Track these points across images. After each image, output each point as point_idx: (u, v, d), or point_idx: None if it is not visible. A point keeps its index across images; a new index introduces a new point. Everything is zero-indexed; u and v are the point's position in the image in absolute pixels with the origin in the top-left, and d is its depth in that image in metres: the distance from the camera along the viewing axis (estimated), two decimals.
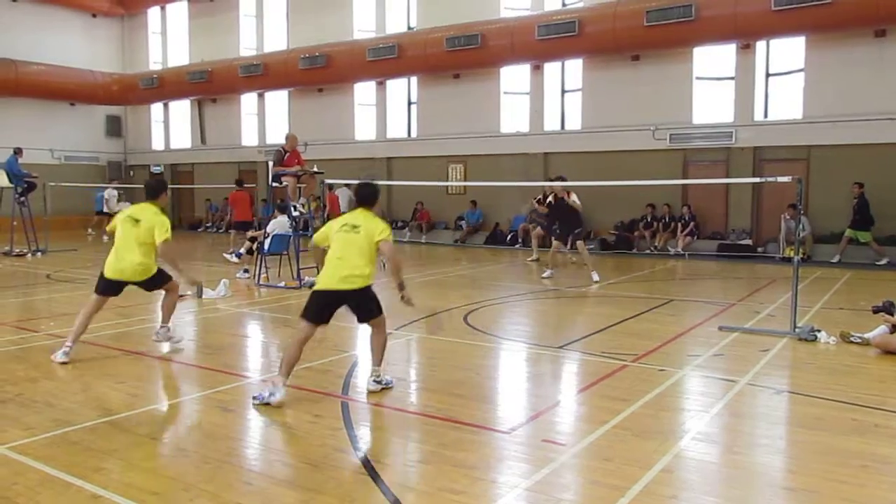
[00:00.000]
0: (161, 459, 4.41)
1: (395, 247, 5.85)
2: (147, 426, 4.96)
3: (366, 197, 5.97)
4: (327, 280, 5.68)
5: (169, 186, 8.16)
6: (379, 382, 5.80)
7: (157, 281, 7.21)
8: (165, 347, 7.26)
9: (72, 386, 5.89)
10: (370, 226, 5.74)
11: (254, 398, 5.43)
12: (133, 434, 4.76)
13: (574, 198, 12.95)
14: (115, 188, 22.98)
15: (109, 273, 6.98)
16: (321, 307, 5.67)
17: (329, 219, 21.00)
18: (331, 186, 20.10)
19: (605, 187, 17.23)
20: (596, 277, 12.36)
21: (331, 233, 5.83)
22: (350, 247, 5.69)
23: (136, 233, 6.90)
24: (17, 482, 3.96)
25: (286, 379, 5.48)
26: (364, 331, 8.56)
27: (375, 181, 6.39)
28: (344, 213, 9.14)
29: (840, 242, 15.56)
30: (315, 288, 5.79)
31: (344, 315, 5.95)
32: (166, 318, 7.31)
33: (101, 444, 4.56)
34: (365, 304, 5.79)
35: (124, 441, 4.62)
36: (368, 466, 4.20)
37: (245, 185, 17.28)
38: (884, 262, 15.07)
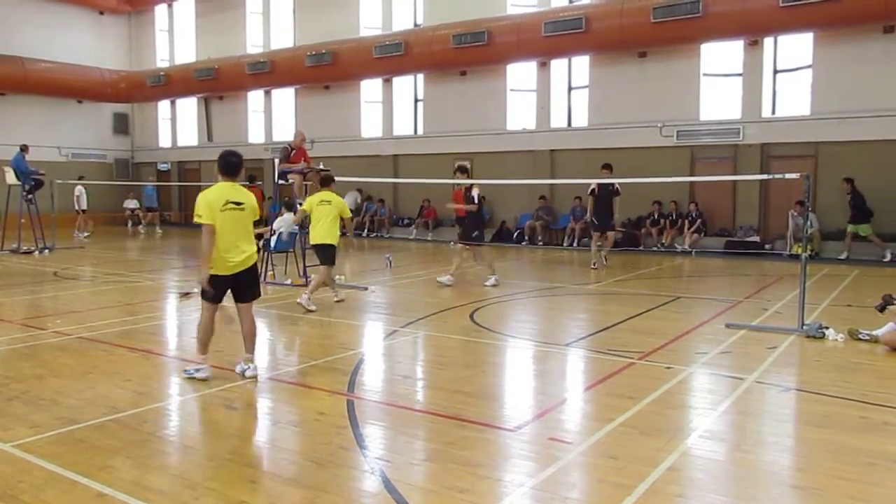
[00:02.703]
0: (166, 457, 4.41)
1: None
2: (153, 424, 4.96)
3: (235, 167, 5.99)
4: (226, 266, 5.80)
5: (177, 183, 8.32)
6: (253, 369, 6.00)
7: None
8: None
9: (78, 384, 5.90)
10: (251, 200, 5.94)
11: (184, 371, 6.08)
12: (139, 432, 4.76)
13: (475, 193, 11.67)
14: (84, 185, 23.15)
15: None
16: (220, 290, 5.91)
17: (465, 218, 20.47)
18: (470, 187, 20.02)
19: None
20: (492, 281, 11.47)
21: (215, 214, 5.72)
22: (239, 227, 5.85)
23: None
24: (23, 480, 3.97)
25: (206, 356, 6.01)
26: (371, 328, 8.61)
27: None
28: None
29: (845, 240, 15.47)
30: (213, 272, 5.82)
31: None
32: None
33: (107, 441, 4.56)
34: (253, 282, 6.06)
35: (130, 439, 4.63)
36: (374, 465, 4.20)
37: (257, 182, 17.22)
38: (888, 257, 14.97)
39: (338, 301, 9.96)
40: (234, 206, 5.79)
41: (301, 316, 9.15)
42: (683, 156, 18.18)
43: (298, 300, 9.46)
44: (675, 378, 6.06)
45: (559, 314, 9.88)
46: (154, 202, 25.81)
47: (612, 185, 13.71)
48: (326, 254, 9.67)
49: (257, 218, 6.02)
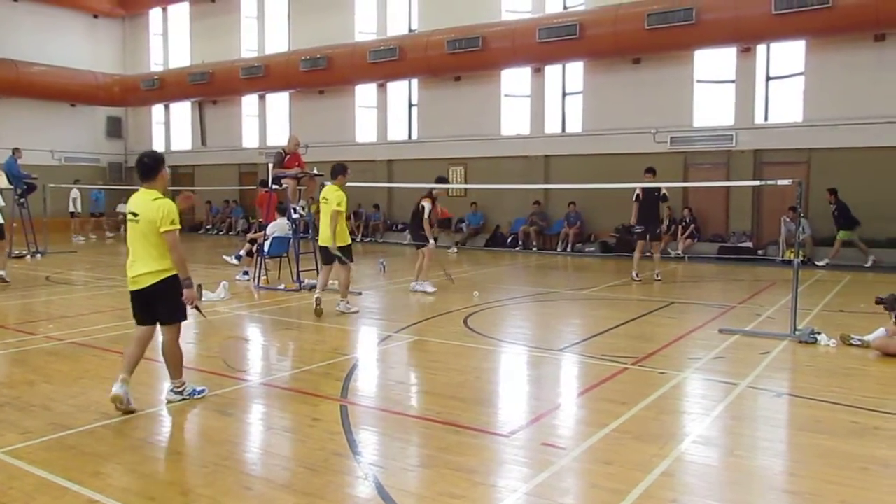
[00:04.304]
0: (158, 464, 4.39)
1: (178, 238, 5.21)
2: (144, 430, 4.94)
3: (143, 168, 5.24)
4: (128, 280, 5.30)
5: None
6: (180, 393, 5.45)
7: None
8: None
9: (69, 389, 5.86)
10: (150, 213, 5.09)
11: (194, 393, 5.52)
12: (130, 438, 4.74)
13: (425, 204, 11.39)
14: (80, 188, 23.10)
15: None
16: (136, 308, 5.37)
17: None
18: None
19: (606, 190, 17.21)
20: (430, 288, 11.22)
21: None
22: (133, 240, 5.20)
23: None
24: (13, 487, 3.94)
25: (126, 375, 5.22)
26: (365, 333, 8.59)
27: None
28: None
29: (834, 245, 15.44)
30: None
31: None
32: None
33: (98, 448, 4.54)
34: (162, 303, 5.26)
35: (121, 445, 4.61)
36: (367, 471, 4.19)
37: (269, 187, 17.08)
38: (870, 262, 15.10)
39: (340, 312, 9.43)
40: (131, 216, 5.20)
41: (294, 321, 9.13)
42: (677, 162, 18.24)
43: (337, 308, 9.35)
44: (669, 383, 6.07)
45: (553, 319, 9.89)
46: (101, 207, 25.40)
47: (658, 189, 12.88)
48: (330, 256, 9.41)
49: (167, 230, 5.08)
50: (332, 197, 9.37)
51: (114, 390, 5.11)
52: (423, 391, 6.13)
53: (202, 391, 5.59)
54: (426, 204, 11.41)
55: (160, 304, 5.27)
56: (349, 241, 9.64)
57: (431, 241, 11.44)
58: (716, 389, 5.97)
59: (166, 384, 6.15)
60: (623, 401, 5.50)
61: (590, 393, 5.90)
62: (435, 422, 5.07)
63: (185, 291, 5.22)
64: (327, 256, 9.54)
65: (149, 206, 5.11)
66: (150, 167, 5.23)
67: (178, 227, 5.18)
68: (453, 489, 3.90)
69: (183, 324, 5.45)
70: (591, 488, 4.01)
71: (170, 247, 5.13)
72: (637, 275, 12.97)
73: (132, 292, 5.31)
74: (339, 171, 9.71)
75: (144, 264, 5.17)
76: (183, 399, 5.45)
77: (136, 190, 5.37)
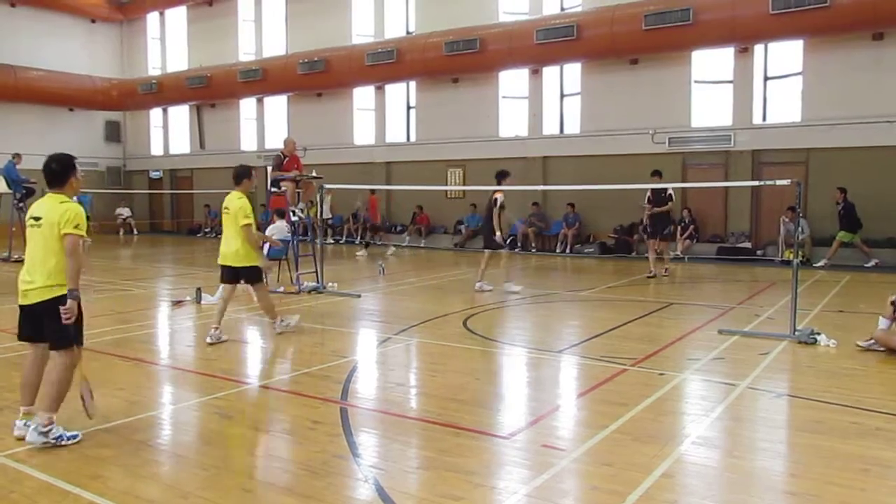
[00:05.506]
0: (159, 466, 4.38)
1: (79, 245, 4.58)
2: (145, 433, 4.93)
3: (50, 175, 4.70)
4: (19, 292, 4.70)
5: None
6: (44, 434, 4.48)
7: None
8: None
9: (69, 393, 5.84)
10: (54, 215, 4.55)
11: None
12: (131, 441, 4.73)
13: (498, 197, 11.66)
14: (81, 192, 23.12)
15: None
16: (23, 325, 4.78)
17: (369, 225, 20.19)
18: (373, 191, 20.30)
19: (605, 191, 17.22)
20: (515, 288, 11.57)
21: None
22: (33, 246, 4.63)
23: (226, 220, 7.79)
24: (15, 490, 3.95)
25: (27, 407, 4.78)
26: (364, 336, 8.59)
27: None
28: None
29: (832, 246, 15.38)
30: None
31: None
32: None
33: (99, 451, 4.53)
34: (51, 323, 4.58)
35: (122, 448, 4.60)
36: (368, 473, 4.19)
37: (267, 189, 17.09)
38: (872, 263, 15.05)
39: (279, 333, 8.25)
40: (32, 221, 4.65)
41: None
42: (675, 162, 18.25)
43: (276, 329, 8.23)
44: (668, 384, 6.07)
45: (552, 321, 9.89)
46: (87, 210, 25.32)
47: (665, 190, 13.40)
48: (233, 273, 7.91)
49: (68, 232, 4.52)
50: (233, 206, 7.81)
51: (15, 432, 4.69)
52: (422, 393, 6.13)
53: (74, 436, 4.64)
54: (500, 197, 11.64)
55: (49, 324, 4.61)
56: (258, 262, 8.04)
57: (505, 247, 11.87)
58: (715, 390, 5.97)
59: (166, 387, 6.16)
60: (623, 402, 5.50)
61: (589, 394, 5.90)
62: (435, 423, 5.07)
63: (68, 302, 4.50)
64: (229, 274, 7.95)
65: (54, 208, 4.60)
66: (58, 173, 4.70)
67: (83, 234, 4.58)
68: (453, 491, 3.90)
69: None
70: (591, 490, 4.01)
71: (68, 251, 4.51)
72: (652, 271, 13.55)
73: (20, 307, 4.71)
74: (243, 175, 8.15)
75: (37, 276, 4.59)
76: (46, 442, 4.50)
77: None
